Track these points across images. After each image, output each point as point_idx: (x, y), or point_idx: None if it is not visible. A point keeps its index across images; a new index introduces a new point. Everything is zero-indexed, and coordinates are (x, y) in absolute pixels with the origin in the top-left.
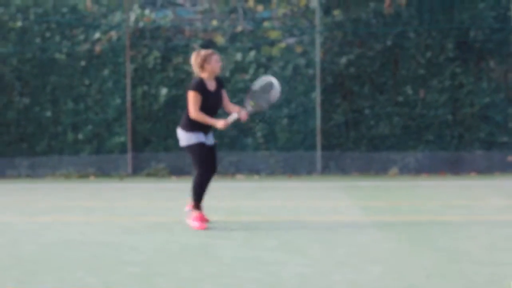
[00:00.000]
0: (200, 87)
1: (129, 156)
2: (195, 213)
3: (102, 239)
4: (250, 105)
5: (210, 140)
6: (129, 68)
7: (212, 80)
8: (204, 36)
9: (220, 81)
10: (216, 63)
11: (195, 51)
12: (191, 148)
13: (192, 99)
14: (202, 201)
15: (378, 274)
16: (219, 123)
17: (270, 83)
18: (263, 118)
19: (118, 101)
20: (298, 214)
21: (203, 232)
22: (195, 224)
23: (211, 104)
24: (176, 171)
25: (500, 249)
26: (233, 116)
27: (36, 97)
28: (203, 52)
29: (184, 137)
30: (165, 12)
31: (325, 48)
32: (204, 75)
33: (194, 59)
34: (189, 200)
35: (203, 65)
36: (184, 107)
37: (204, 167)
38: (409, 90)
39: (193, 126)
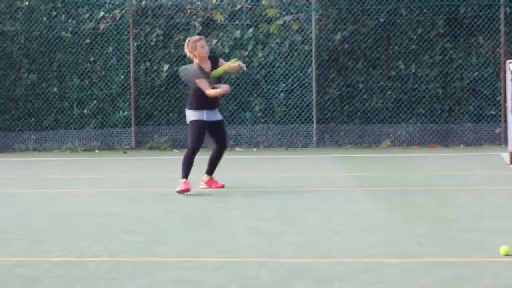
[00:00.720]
0: (199, 73)
1: (132, 130)
2: (182, 180)
3: (107, 209)
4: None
5: (215, 116)
6: (132, 45)
7: (205, 62)
8: (204, 14)
9: (214, 59)
10: (201, 49)
11: (187, 39)
12: (190, 124)
13: (202, 85)
14: (189, 172)
15: (371, 241)
16: (226, 88)
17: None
18: (261, 92)
19: (121, 77)
20: (294, 185)
21: (203, 202)
22: (178, 187)
23: (211, 84)
24: (178, 144)
25: (489, 217)
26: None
27: (43, 73)
28: (191, 40)
29: (187, 115)
30: None
31: (321, 25)
32: (197, 60)
33: (186, 48)
34: (205, 177)
35: (192, 52)
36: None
37: (196, 143)
38: (401, 65)
39: (195, 104)
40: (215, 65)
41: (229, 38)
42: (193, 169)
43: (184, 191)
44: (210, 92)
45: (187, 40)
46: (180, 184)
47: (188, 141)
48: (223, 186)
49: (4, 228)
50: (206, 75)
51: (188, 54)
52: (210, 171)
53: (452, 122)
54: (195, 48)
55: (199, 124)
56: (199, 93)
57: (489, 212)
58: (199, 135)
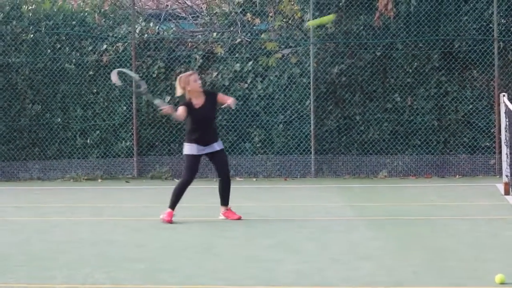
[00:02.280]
0: (187, 105)
1: (134, 159)
2: (169, 210)
3: (109, 237)
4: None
5: (214, 147)
6: (134, 77)
7: (199, 97)
8: (205, 47)
9: (212, 95)
10: (194, 83)
11: (178, 76)
12: (184, 156)
13: (179, 109)
14: (178, 203)
15: (368, 270)
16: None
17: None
18: (260, 124)
19: (124, 108)
20: (293, 214)
21: (204, 231)
22: (162, 216)
23: (201, 119)
24: (179, 174)
25: (483, 246)
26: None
27: (47, 104)
28: (183, 76)
29: (184, 148)
30: (168, 25)
31: (318, 58)
32: (188, 96)
33: (178, 84)
34: (222, 208)
35: (185, 87)
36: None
37: (188, 175)
38: (397, 97)
39: (189, 138)
40: (212, 100)
41: (229, 70)
42: (189, 198)
43: (168, 222)
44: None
45: (178, 78)
46: (167, 214)
47: (183, 173)
48: (239, 218)
49: (8, 255)
50: (192, 111)
51: (180, 91)
52: (223, 202)
53: (448, 153)
54: (188, 82)
55: (191, 158)
56: (190, 126)
57: (484, 241)
58: (192, 168)
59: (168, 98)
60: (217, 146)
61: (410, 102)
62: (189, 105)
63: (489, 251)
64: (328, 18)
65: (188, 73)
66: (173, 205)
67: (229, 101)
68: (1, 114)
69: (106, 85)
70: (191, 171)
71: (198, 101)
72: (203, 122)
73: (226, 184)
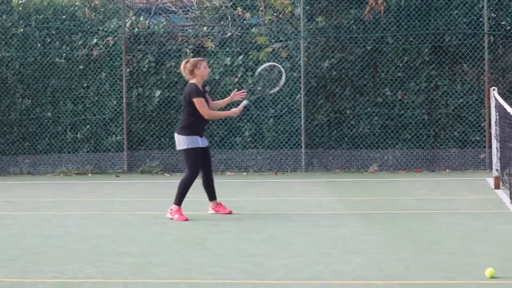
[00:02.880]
0: (198, 91)
1: (124, 154)
2: (175, 208)
3: (100, 231)
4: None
5: (205, 142)
6: (125, 71)
7: (201, 85)
8: (195, 41)
9: (204, 89)
10: (205, 69)
11: (185, 59)
12: (186, 151)
13: (200, 104)
14: (183, 199)
15: (359, 264)
16: (234, 112)
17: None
18: (251, 118)
19: (114, 102)
20: (283, 209)
21: (193, 225)
22: (176, 216)
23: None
24: (169, 168)
25: (474, 240)
26: (244, 103)
27: (37, 98)
28: (193, 59)
29: (181, 141)
30: (159, 19)
31: (309, 52)
32: (194, 80)
33: (184, 66)
34: (211, 203)
35: (193, 71)
36: (177, 108)
37: (195, 170)
38: (387, 91)
39: (190, 130)
40: (204, 90)
41: (219, 65)
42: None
43: (184, 220)
44: (209, 114)
45: (185, 60)
46: (177, 212)
47: (186, 168)
48: (230, 212)
49: None
50: (203, 95)
51: (186, 72)
52: (211, 197)
53: (438, 147)
54: (199, 67)
55: (197, 151)
56: (194, 116)
57: (475, 235)
58: (197, 162)
59: (158, 92)
60: (206, 140)
61: (401, 96)
62: (199, 90)
63: (479, 245)
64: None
65: (199, 58)
66: (179, 202)
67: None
68: None
69: (96, 79)
70: (197, 165)
71: (201, 88)
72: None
73: (211, 178)
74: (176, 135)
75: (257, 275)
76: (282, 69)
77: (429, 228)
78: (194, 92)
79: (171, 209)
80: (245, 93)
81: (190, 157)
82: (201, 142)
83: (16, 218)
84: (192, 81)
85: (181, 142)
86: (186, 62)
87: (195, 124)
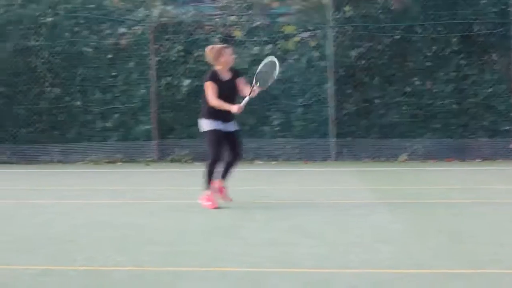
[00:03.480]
0: (214, 77)
1: (154, 143)
2: (206, 194)
3: (130, 220)
4: (256, 86)
5: (230, 127)
6: (153, 60)
7: (226, 72)
8: (223, 31)
9: (236, 72)
10: (229, 56)
11: (208, 47)
12: (206, 134)
13: (208, 88)
14: (212, 182)
15: (388, 253)
16: (234, 108)
17: (273, 63)
18: (280, 107)
19: (143, 91)
20: (313, 198)
21: (223, 214)
22: (206, 203)
23: (226, 93)
24: (199, 157)
25: (503, 230)
26: (245, 100)
27: (66, 87)
28: (217, 46)
29: (201, 124)
30: (187, 8)
31: (337, 42)
32: (219, 67)
33: (209, 53)
34: (219, 182)
35: (218, 58)
36: None
37: (215, 152)
38: (416, 81)
39: (210, 114)
40: (235, 77)
41: (247, 54)
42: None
43: (214, 208)
44: (213, 101)
45: (211, 46)
46: (206, 199)
47: (209, 151)
48: (229, 200)
49: (29, 237)
50: (219, 82)
51: (210, 59)
52: (223, 175)
53: (467, 136)
54: (223, 54)
55: (217, 133)
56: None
57: (504, 225)
58: (219, 145)
59: (187, 81)
60: (235, 126)
61: (430, 86)
62: (215, 77)
63: (509, 235)
64: None
65: (223, 45)
66: (206, 187)
67: (246, 97)
68: (21, 98)
69: (124, 68)
70: (218, 147)
71: (225, 74)
72: (228, 96)
73: (234, 163)
74: (199, 119)
75: (286, 264)
76: (274, 61)
77: (459, 218)
78: (208, 77)
79: (202, 196)
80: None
81: (209, 140)
82: (223, 126)
83: (45, 206)
84: (217, 67)
85: (201, 125)
86: (212, 49)
87: (213, 108)
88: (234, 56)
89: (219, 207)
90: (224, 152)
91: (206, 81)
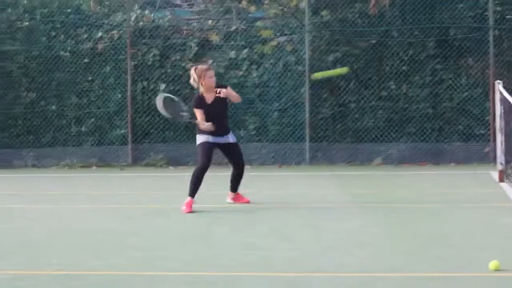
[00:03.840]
0: (199, 103)
1: (129, 147)
2: (188, 199)
3: (104, 225)
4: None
5: (227, 139)
6: (129, 64)
7: (211, 92)
8: (200, 35)
9: (221, 87)
10: (210, 79)
11: (193, 67)
12: (198, 146)
13: (197, 115)
14: (197, 190)
15: (363, 257)
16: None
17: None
18: (255, 111)
19: (119, 95)
20: (288, 202)
21: (198, 218)
22: (183, 208)
23: (213, 113)
24: (173, 162)
25: (477, 234)
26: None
27: (42, 92)
28: (199, 68)
29: (197, 139)
30: (164, 13)
31: (314, 46)
32: (201, 89)
33: (192, 75)
34: (231, 194)
35: (199, 80)
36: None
37: (203, 162)
38: (392, 85)
39: (201, 130)
40: (218, 96)
41: (224, 58)
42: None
43: (188, 213)
44: (202, 126)
45: (193, 68)
46: (187, 205)
47: (198, 160)
48: (248, 201)
49: (3, 242)
50: (205, 106)
51: (192, 81)
52: (232, 188)
53: (442, 141)
54: (204, 77)
55: (206, 144)
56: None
57: (479, 229)
58: (207, 153)
59: (163, 85)
60: (231, 138)
61: (405, 90)
62: (201, 101)
63: (483, 238)
64: (336, 72)
65: (205, 66)
66: (192, 193)
67: (223, 90)
68: None
69: (101, 72)
70: (206, 156)
71: (209, 95)
72: (215, 116)
73: (238, 174)
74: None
75: (261, 267)
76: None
77: (433, 222)
78: (194, 103)
79: (185, 201)
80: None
81: (199, 149)
82: (212, 138)
83: (20, 211)
84: (200, 90)
85: (196, 139)
86: (195, 69)
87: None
88: (214, 78)
89: (194, 211)
90: (211, 161)
91: (194, 107)
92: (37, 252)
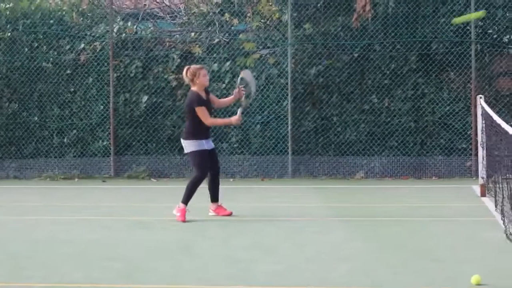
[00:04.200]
0: (201, 100)
1: (111, 159)
2: (182, 206)
3: (86, 236)
4: (244, 101)
5: (210, 144)
6: (112, 76)
7: (203, 92)
8: (183, 47)
9: (207, 91)
10: (204, 77)
11: (186, 66)
12: (193, 154)
13: (201, 112)
14: (191, 198)
15: (346, 271)
16: (235, 119)
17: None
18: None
19: (101, 107)
20: (270, 215)
21: (181, 230)
22: (178, 215)
23: (208, 112)
24: (156, 174)
25: (460, 247)
26: (240, 110)
27: (24, 103)
28: (193, 67)
29: (188, 145)
30: (146, 24)
31: (296, 59)
32: (195, 88)
33: (185, 74)
34: (212, 205)
35: (193, 79)
36: (164, 113)
37: (202, 171)
38: (374, 99)
39: (195, 135)
40: (207, 95)
41: (206, 70)
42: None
43: (182, 221)
44: (209, 121)
45: (186, 68)
46: (181, 212)
47: (194, 169)
48: (230, 214)
49: None
50: (205, 103)
51: (187, 80)
52: (213, 199)
53: (424, 155)
54: (198, 75)
55: (202, 153)
56: (197, 122)
57: (461, 242)
58: (204, 163)
59: (145, 97)
60: (212, 143)
61: (387, 104)
62: (201, 99)
63: (465, 252)
64: (477, 15)
65: (198, 66)
66: (186, 201)
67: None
68: None
69: (83, 84)
70: (204, 165)
71: (203, 94)
72: (210, 114)
73: (218, 181)
74: (182, 140)
75: (244, 280)
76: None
77: (416, 235)
78: (195, 102)
79: (178, 206)
80: (243, 90)
81: (195, 159)
82: (206, 145)
83: (2, 222)
84: (193, 88)
85: (187, 146)
86: (187, 70)
87: (198, 129)
88: (208, 77)
89: (177, 225)
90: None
91: (196, 106)
92: (19, 265)
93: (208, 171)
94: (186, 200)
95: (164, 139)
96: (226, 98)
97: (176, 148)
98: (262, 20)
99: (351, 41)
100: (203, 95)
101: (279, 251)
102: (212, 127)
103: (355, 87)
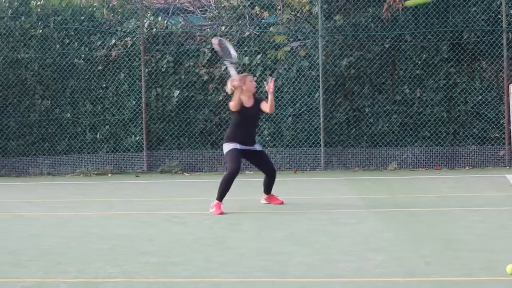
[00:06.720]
0: (240, 104)
1: (144, 154)
2: (216, 202)
3: (120, 232)
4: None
5: (251, 147)
6: (143, 71)
7: (250, 98)
8: None
9: (256, 98)
10: (250, 83)
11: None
12: (226, 153)
13: (234, 98)
14: (225, 195)
15: (380, 261)
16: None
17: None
18: (270, 117)
19: (133, 102)
20: (303, 207)
21: (215, 224)
22: (213, 210)
23: (249, 117)
24: (188, 168)
25: (494, 237)
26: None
27: (56, 99)
28: (239, 75)
29: (224, 147)
30: (177, 19)
31: (327, 51)
32: (242, 95)
33: (230, 84)
34: (264, 195)
35: (240, 85)
36: (196, 107)
37: (232, 167)
38: (406, 89)
39: (229, 138)
40: (258, 105)
41: (237, 64)
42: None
43: (219, 214)
44: (233, 104)
45: (231, 79)
46: (215, 206)
47: (227, 166)
48: (282, 203)
49: (20, 250)
50: (243, 108)
51: (231, 88)
52: (266, 191)
53: (457, 144)
54: (245, 81)
55: (234, 151)
56: (235, 128)
57: (494, 232)
58: (236, 159)
59: (177, 92)
60: (258, 147)
61: (419, 94)
62: (241, 103)
63: (499, 241)
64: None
65: (244, 74)
66: (220, 197)
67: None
68: (11, 110)
69: (115, 79)
70: (236, 162)
71: (249, 101)
72: (250, 121)
73: (270, 179)
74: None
75: (278, 273)
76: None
77: (449, 225)
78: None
79: (213, 203)
80: (273, 82)
81: (228, 156)
82: (240, 146)
83: (36, 218)
84: (241, 96)
85: (224, 148)
86: (233, 79)
87: (233, 133)
88: (254, 83)
89: (212, 216)
90: (241, 168)
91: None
92: (55, 260)
93: (239, 166)
94: (220, 197)
95: (196, 133)
96: (268, 100)
97: (209, 142)
98: (292, 13)
99: (382, 32)
100: (249, 101)
101: (313, 243)
102: (255, 137)
103: (386, 78)
